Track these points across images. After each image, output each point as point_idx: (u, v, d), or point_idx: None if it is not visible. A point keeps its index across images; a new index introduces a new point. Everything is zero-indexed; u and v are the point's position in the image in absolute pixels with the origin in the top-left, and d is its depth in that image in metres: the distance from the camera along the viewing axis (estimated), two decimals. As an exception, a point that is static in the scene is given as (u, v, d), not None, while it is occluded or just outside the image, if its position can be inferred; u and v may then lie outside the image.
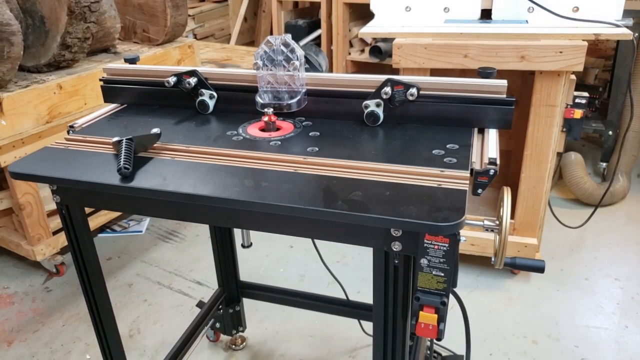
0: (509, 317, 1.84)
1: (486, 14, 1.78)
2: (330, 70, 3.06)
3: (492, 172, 0.85)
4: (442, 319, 0.78)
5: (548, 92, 1.66)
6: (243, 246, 1.55)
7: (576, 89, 1.74)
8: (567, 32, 1.59)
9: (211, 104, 1.13)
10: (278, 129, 1.03)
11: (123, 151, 0.90)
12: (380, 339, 0.89)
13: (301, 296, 1.65)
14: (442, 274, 0.77)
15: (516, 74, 1.90)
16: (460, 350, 1.59)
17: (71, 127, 1.09)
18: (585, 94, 1.74)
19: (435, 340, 1.45)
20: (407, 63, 1.70)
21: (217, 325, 1.71)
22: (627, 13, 1.65)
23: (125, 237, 2.41)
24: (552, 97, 1.67)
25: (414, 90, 0.98)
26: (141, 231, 2.45)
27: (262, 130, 1.04)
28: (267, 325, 1.86)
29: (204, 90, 1.12)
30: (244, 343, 1.77)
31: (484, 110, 0.97)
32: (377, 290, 0.85)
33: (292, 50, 1.03)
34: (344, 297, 1.62)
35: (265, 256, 2.24)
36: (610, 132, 2.58)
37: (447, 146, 0.92)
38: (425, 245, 0.76)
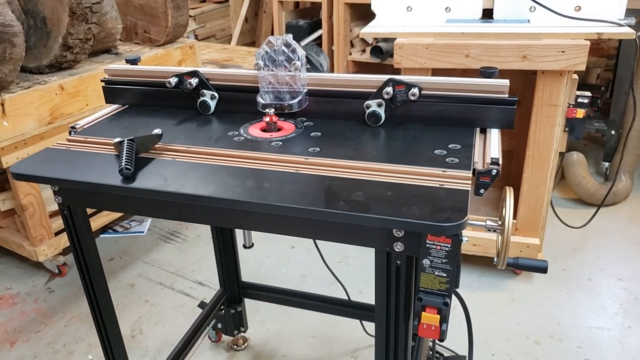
0: (512, 318, 1.84)
1: (488, 14, 1.78)
2: (332, 70, 3.06)
3: (494, 172, 0.84)
4: (444, 319, 0.78)
5: (550, 92, 1.66)
6: (245, 247, 1.56)
7: (578, 89, 1.74)
8: (570, 31, 1.58)
9: (212, 104, 1.13)
10: (279, 130, 1.03)
11: (124, 152, 0.90)
12: (382, 340, 0.89)
13: (303, 297, 1.64)
14: (445, 275, 0.77)
15: (518, 74, 1.90)
16: (463, 351, 1.58)
17: (73, 128, 1.09)
18: (588, 94, 1.73)
19: (437, 341, 1.45)
20: (408, 63, 1.70)
21: (219, 325, 1.71)
22: (629, 12, 1.65)
23: (127, 237, 2.41)
24: (554, 96, 1.66)
25: (415, 90, 0.98)
26: (143, 232, 2.45)
27: (264, 130, 1.03)
28: (268, 325, 1.86)
29: (205, 91, 1.12)
30: (246, 343, 1.77)
31: (486, 110, 0.97)
32: (379, 291, 0.85)
33: (294, 51, 1.03)
34: (346, 298, 1.62)
35: (267, 257, 2.24)
36: (613, 132, 2.57)
37: (449, 146, 0.92)
38: (427, 245, 0.75)
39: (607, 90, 2.84)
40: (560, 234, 2.27)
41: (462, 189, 0.78)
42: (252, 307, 1.89)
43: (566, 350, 1.69)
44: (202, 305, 1.66)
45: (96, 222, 2.22)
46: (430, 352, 1.49)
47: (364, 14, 3.01)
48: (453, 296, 0.81)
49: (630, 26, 1.56)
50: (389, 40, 2.75)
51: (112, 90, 1.22)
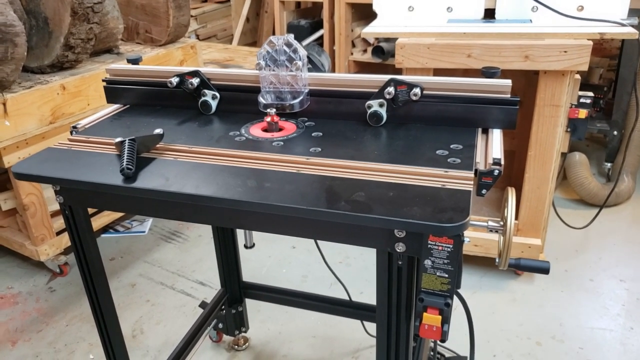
0: (513, 318, 1.83)
1: (490, 14, 1.78)
2: (333, 70, 3.06)
3: (496, 172, 0.84)
4: (446, 320, 0.78)
5: (552, 92, 1.66)
6: (246, 247, 1.55)
7: (581, 89, 1.73)
8: (572, 31, 1.58)
9: (214, 104, 1.13)
10: (280, 130, 1.03)
11: (126, 152, 0.90)
12: (383, 340, 0.89)
13: (304, 297, 1.64)
14: (446, 275, 0.76)
15: (520, 74, 1.89)
16: (464, 352, 1.58)
17: (74, 127, 1.09)
18: (590, 94, 1.73)
19: (438, 342, 1.44)
20: (410, 63, 1.69)
21: (220, 325, 1.71)
22: (632, 12, 1.64)
23: (128, 237, 2.41)
24: (557, 97, 1.66)
25: (417, 90, 0.97)
26: (144, 231, 2.45)
27: (265, 130, 1.03)
28: (269, 325, 1.85)
29: (206, 91, 1.12)
30: (247, 343, 1.77)
31: (488, 110, 0.96)
32: (381, 292, 0.84)
33: (295, 51, 1.03)
34: (347, 298, 1.62)
35: (268, 257, 2.24)
36: (615, 132, 2.56)
37: (451, 146, 0.92)
38: (429, 246, 0.75)
39: (609, 90, 2.83)
40: (562, 234, 2.26)
41: (464, 190, 0.78)
42: (253, 307, 1.89)
43: (568, 351, 1.69)
44: (203, 305, 1.66)
45: (97, 222, 2.22)
46: (432, 353, 1.48)
47: (366, 14, 3.01)
48: (454, 297, 0.81)
49: (633, 26, 1.55)
50: (391, 40, 2.75)
51: (114, 90, 1.22)
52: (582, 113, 1.72)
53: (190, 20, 2.47)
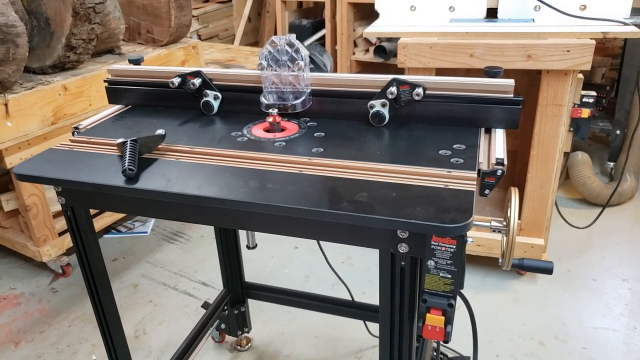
0: (516, 318, 1.83)
1: (492, 13, 1.77)
2: (335, 70, 3.05)
3: (499, 172, 0.84)
4: (449, 321, 0.78)
5: (555, 92, 1.65)
6: (248, 247, 1.55)
7: (583, 88, 1.73)
8: (575, 30, 1.57)
9: (215, 104, 1.13)
10: (283, 130, 1.03)
11: (127, 152, 0.90)
12: (386, 341, 0.88)
13: (306, 297, 1.64)
14: (450, 276, 0.76)
15: (522, 73, 1.89)
16: (467, 352, 1.58)
17: (76, 128, 1.09)
18: (593, 93, 1.72)
19: (441, 342, 1.44)
20: (412, 63, 1.69)
21: (223, 326, 1.71)
22: (635, 11, 1.64)
23: (130, 238, 2.41)
24: (559, 96, 1.65)
25: (420, 90, 0.97)
26: (146, 232, 2.45)
27: (267, 131, 1.03)
28: (272, 326, 1.85)
29: (208, 91, 1.12)
30: (249, 344, 1.77)
31: (490, 110, 0.96)
32: (384, 292, 0.84)
33: (297, 51, 1.03)
34: (349, 298, 1.62)
35: (270, 257, 2.24)
36: (618, 132, 2.56)
37: (454, 146, 0.92)
38: (432, 246, 0.75)
39: (612, 89, 2.82)
40: (564, 234, 2.26)
41: (467, 190, 0.78)
42: (256, 308, 1.89)
43: (571, 351, 1.68)
44: (205, 305, 1.66)
45: (100, 223, 2.22)
46: (435, 353, 1.48)
47: (368, 14, 3.00)
48: (457, 297, 0.81)
49: (636, 25, 1.55)
50: (393, 39, 2.74)
51: (115, 90, 1.21)
52: (585, 112, 1.71)
53: (191, 21, 2.47)
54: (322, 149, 0.94)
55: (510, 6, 1.72)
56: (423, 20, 1.80)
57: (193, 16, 4.11)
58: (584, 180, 2.43)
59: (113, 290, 1.15)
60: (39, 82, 1.91)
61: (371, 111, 1.01)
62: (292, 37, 1.03)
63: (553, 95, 1.66)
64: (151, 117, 1.15)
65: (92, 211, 2.08)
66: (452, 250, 0.74)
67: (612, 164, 2.65)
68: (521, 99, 0.94)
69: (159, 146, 0.98)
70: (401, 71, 1.66)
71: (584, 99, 1.71)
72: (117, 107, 1.22)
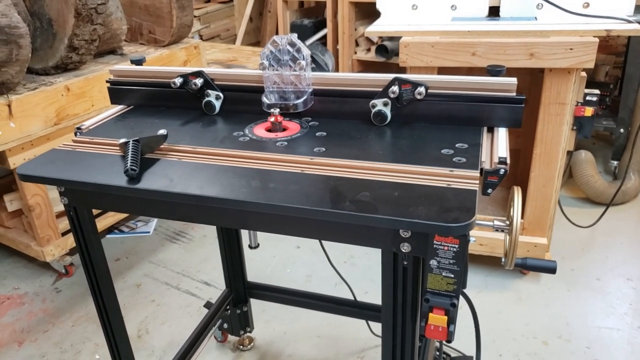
0: (519, 318, 1.82)
1: (494, 11, 1.77)
2: (337, 69, 3.05)
3: (502, 171, 0.83)
4: (452, 320, 0.77)
5: (558, 90, 1.64)
6: (250, 247, 1.55)
7: (586, 86, 1.72)
8: (578, 28, 1.56)
9: (217, 104, 1.13)
10: (284, 130, 1.03)
11: (130, 153, 0.90)
12: (389, 341, 0.88)
13: (308, 297, 1.64)
14: (452, 275, 0.76)
15: (525, 72, 1.88)
16: (470, 352, 1.57)
17: (78, 129, 1.09)
18: (596, 92, 1.71)
19: (444, 342, 1.44)
20: (414, 62, 1.69)
21: (225, 325, 1.71)
22: (638, 9, 1.63)
23: (133, 238, 2.42)
24: (562, 94, 1.65)
25: (422, 89, 0.97)
26: (149, 232, 2.45)
27: (269, 130, 1.03)
28: (274, 325, 1.85)
29: (210, 91, 1.12)
30: (252, 343, 1.77)
31: (493, 109, 0.96)
32: (386, 292, 0.84)
33: (298, 50, 1.03)
34: (352, 298, 1.61)
35: (272, 257, 2.24)
36: (622, 130, 2.55)
37: (456, 145, 0.91)
38: (434, 246, 0.75)
39: (615, 88, 2.81)
40: (568, 233, 2.25)
41: (469, 189, 0.78)
42: (258, 307, 1.89)
43: (574, 351, 1.68)
44: (208, 305, 1.66)
45: (102, 223, 2.23)
46: (437, 353, 1.48)
47: (369, 13, 2.99)
48: (460, 296, 0.80)
49: (639, 23, 1.54)
50: (394, 39, 2.74)
51: (118, 91, 1.22)
52: (588, 111, 1.71)
53: (193, 21, 2.47)
54: (324, 149, 0.93)
55: (513, 4, 1.72)
56: (425, 19, 1.80)
57: (195, 16, 4.11)
58: (587, 179, 2.42)
59: (116, 290, 1.15)
60: (42, 83, 1.91)
61: (373, 110, 1.01)
62: (294, 37, 1.03)
63: (556, 94, 1.65)
64: (153, 117, 1.15)
65: (95, 211, 2.09)
66: (454, 249, 0.74)
67: (615, 162, 2.64)
68: (524, 97, 0.94)
69: (161, 146, 0.98)
70: (403, 70, 1.66)
71: (587, 98, 1.70)
72: (120, 107, 1.22)
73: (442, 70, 1.70)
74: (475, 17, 1.77)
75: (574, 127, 1.74)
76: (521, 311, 1.85)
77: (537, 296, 1.92)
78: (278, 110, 1.03)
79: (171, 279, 2.12)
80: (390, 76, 0.99)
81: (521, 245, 1.89)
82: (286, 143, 0.97)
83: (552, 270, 0.99)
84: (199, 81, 1.11)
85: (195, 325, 1.56)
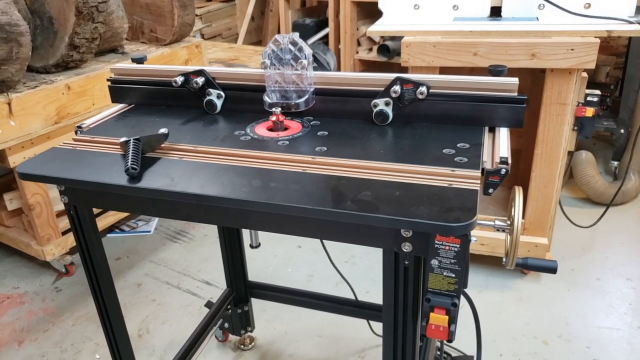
0: (520, 318, 1.82)
1: (496, 12, 1.77)
2: (338, 69, 3.05)
3: (503, 171, 0.83)
4: (453, 320, 0.77)
5: (559, 90, 1.64)
6: (251, 246, 1.55)
7: (587, 87, 1.72)
8: (579, 29, 1.56)
9: (219, 103, 1.13)
10: (286, 129, 1.03)
11: (130, 151, 0.90)
12: (390, 340, 0.88)
13: (310, 296, 1.64)
14: (453, 275, 0.76)
15: (526, 72, 1.88)
16: (471, 351, 1.57)
17: (79, 127, 1.09)
18: (597, 92, 1.71)
19: (445, 341, 1.44)
20: (415, 61, 1.69)
21: (226, 325, 1.71)
22: (639, 10, 1.63)
23: (133, 237, 2.42)
24: (563, 95, 1.64)
25: (423, 89, 0.97)
26: (150, 231, 2.45)
27: (270, 129, 1.03)
28: (275, 325, 1.85)
29: (211, 90, 1.12)
30: (253, 343, 1.77)
31: (494, 109, 0.96)
32: (387, 292, 0.84)
33: (300, 49, 1.03)
34: (353, 298, 1.61)
35: (274, 256, 2.24)
36: (622, 131, 2.54)
37: (458, 145, 0.91)
38: (436, 246, 0.74)
39: (616, 88, 2.81)
40: (568, 233, 2.25)
41: (471, 189, 0.77)
42: (259, 307, 1.89)
43: (575, 351, 1.68)
44: (209, 304, 1.66)
45: (103, 222, 2.23)
46: (438, 352, 1.48)
47: (371, 12, 2.99)
48: (461, 296, 0.80)
49: (640, 23, 1.54)
50: (396, 38, 2.74)
51: (118, 89, 1.22)
52: (589, 111, 1.70)
53: (195, 20, 2.47)
54: (325, 148, 0.93)
55: (514, 5, 1.72)
56: (427, 19, 1.80)
57: (196, 15, 4.11)
58: (588, 180, 2.42)
59: (116, 290, 1.15)
60: (42, 81, 1.91)
61: (375, 110, 1.01)
62: (296, 36, 1.03)
63: (557, 94, 1.65)
64: (154, 116, 1.15)
65: (96, 210, 2.09)
66: (455, 249, 0.74)
67: (616, 163, 2.64)
68: (525, 97, 0.94)
69: (162, 145, 0.98)
70: (405, 70, 1.66)
71: (588, 98, 1.70)
72: (120, 106, 1.22)
73: (443, 70, 1.70)
74: (477, 17, 1.77)
75: (575, 128, 1.74)
76: (522, 311, 1.85)
77: (538, 296, 1.92)
78: (280, 109, 1.03)
79: (172, 279, 2.12)
80: (392, 76, 0.99)
81: (522, 245, 1.89)
82: (287, 142, 0.97)
83: (552, 270, 0.99)
84: (200, 80, 1.11)
85: (196, 324, 1.56)
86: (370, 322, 1.73)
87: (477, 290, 1.96)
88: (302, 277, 2.10)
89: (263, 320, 1.87)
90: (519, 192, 0.89)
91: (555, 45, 1.55)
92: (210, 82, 1.12)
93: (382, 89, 1.00)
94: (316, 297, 1.63)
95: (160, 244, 2.36)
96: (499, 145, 0.89)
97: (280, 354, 1.73)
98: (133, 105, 1.22)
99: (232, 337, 1.79)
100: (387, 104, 1.00)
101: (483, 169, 0.84)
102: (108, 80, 1.22)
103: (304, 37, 1.06)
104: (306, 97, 1.05)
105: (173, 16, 2.29)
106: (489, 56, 1.61)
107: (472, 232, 0.73)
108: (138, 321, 1.90)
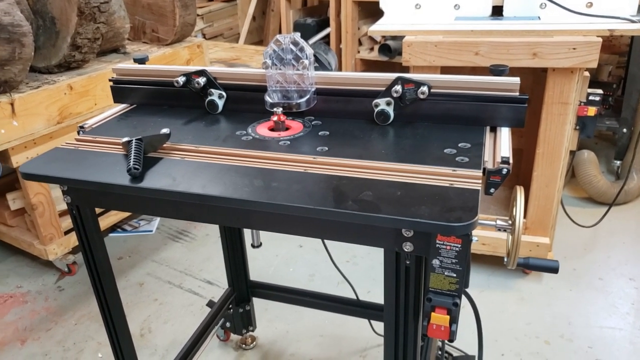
0: (521, 317, 1.82)
1: (497, 11, 1.76)
2: (340, 68, 3.05)
3: (504, 171, 0.83)
4: (454, 320, 0.77)
5: (561, 90, 1.64)
6: (253, 246, 1.55)
7: (589, 86, 1.71)
8: (581, 28, 1.56)
9: (220, 103, 1.13)
10: (287, 129, 1.03)
11: (133, 151, 0.90)
12: (391, 340, 0.88)
13: (311, 296, 1.64)
14: (455, 275, 0.76)
15: (528, 71, 1.88)
16: (472, 351, 1.57)
17: (81, 127, 1.09)
18: (599, 91, 1.71)
19: (446, 341, 1.44)
20: (417, 61, 1.68)
21: (228, 324, 1.71)
22: (642, 8, 1.62)
23: (135, 236, 2.42)
24: (565, 94, 1.64)
25: (425, 89, 0.97)
26: (151, 231, 2.46)
27: (272, 129, 1.03)
28: (277, 324, 1.86)
29: (213, 90, 1.12)
30: (254, 342, 1.77)
31: (496, 109, 0.96)
32: (388, 291, 0.84)
33: (301, 49, 1.03)
34: (354, 297, 1.62)
35: (275, 256, 2.24)
36: (624, 130, 2.54)
37: (459, 145, 0.91)
38: (437, 245, 0.75)
39: (618, 87, 2.80)
40: (570, 233, 2.25)
41: (472, 189, 0.77)
42: (261, 306, 1.89)
43: (577, 350, 1.67)
44: (210, 304, 1.66)
45: (105, 221, 2.23)
46: (439, 352, 1.48)
47: (372, 12, 2.99)
48: (462, 296, 0.80)
49: (642, 22, 1.54)
50: (398, 38, 2.74)
51: (121, 89, 1.22)
52: (591, 110, 1.70)
53: (196, 20, 2.47)
54: (326, 148, 0.93)
55: (516, 4, 1.71)
56: (428, 19, 1.80)
57: (198, 15, 4.11)
58: (590, 179, 2.42)
59: (119, 289, 1.15)
60: (45, 81, 1.92)
61: (376, 110, 1.01)
62: (297, 36, 1.03)
63: (559, 94, 1.65)
64: (156, 116, 1.15)
65: (98, 210, 2.09)
66: (457, 249, 0.74)
67: (618, 162, 2.63)
68: (527, 97, 0.94)
69: (164, 145, 0.98)
70: (406, 69, 1.66)
71: (590, 97, 1.70)
72: (122, 106, 1.22)
73: (445, 70, 1.70)
74: (478, 16, 1.77)
75: (577, 127, 1.74)
76: (523, 310, 1.85)
77: (540, 296, 1.92)
78: (281, 109, 1.03)
79: (174, 278, 2.13)
80: (393, 75, 0.99)
81: (523, 244, 1.89)
82: (289, 142, 0.97)
83: (554, 270, 0.99)
84: (201, 80, 1.11)
85: (197, 324, 1.56)
86: (372, 321, 1.73)
87: (478, 290, 1.96)
88: (304, 277, 2.10)
89: (265, 319, 1.87)
90: (520, 192, 0.89)
91: (557, 45, 1.54)
92: (211, 82, 1.12)
93: (384, 88, 1.00)
94: (318, 297, 1.63)
95: (162, 244, 2.36)
96: (501, 144, 0.89)
97: (282, 353, 1.73)
98: (135, 105, 1.22)
99: (234, 337, 1.80)
100: (388, 103, 1.00)
101: (484, 169, 0.84)
102: (110, 80, 1.23)
103: (305, 36, 1.06)
104: (307, 97, 1.05)
105: (175, 16, 2.29)
106: (491, 55, 1.61)
107: (474, 232, 0.73)
108: (140, 320, 1.90)
